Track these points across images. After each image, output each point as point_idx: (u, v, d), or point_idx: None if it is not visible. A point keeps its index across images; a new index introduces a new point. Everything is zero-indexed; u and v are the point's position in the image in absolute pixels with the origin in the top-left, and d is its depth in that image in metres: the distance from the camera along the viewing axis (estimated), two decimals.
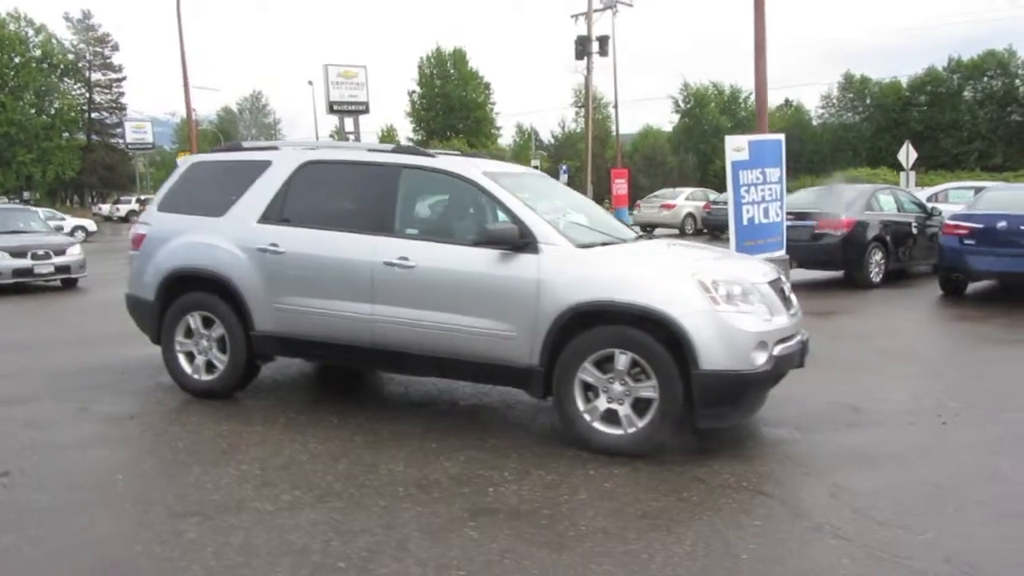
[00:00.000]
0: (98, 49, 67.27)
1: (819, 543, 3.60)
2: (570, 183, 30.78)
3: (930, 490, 4.22)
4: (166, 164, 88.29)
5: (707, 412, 4.63)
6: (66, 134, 63.40)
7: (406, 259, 5.19)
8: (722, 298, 4.59)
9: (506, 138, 70.96)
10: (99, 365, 7.15)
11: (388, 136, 67.60)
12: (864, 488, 4.22)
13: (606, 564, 3.38)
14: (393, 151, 5.72)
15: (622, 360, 4.66)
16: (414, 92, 67.73)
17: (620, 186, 29.03)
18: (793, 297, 5.29)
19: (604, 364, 4.72)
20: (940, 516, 3.89)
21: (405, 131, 68.90)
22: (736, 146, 9.83)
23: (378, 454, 4.76)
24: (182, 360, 6.00)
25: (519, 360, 4.92)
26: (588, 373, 4.74)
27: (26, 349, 8.23)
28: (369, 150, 5.84)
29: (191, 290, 5.92)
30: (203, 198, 6.06)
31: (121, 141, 61.18)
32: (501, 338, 4.95)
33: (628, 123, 72.93)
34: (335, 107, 44.28)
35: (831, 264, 12.63)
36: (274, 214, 5.72)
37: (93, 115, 68.81)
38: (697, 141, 58.15)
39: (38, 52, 62.61)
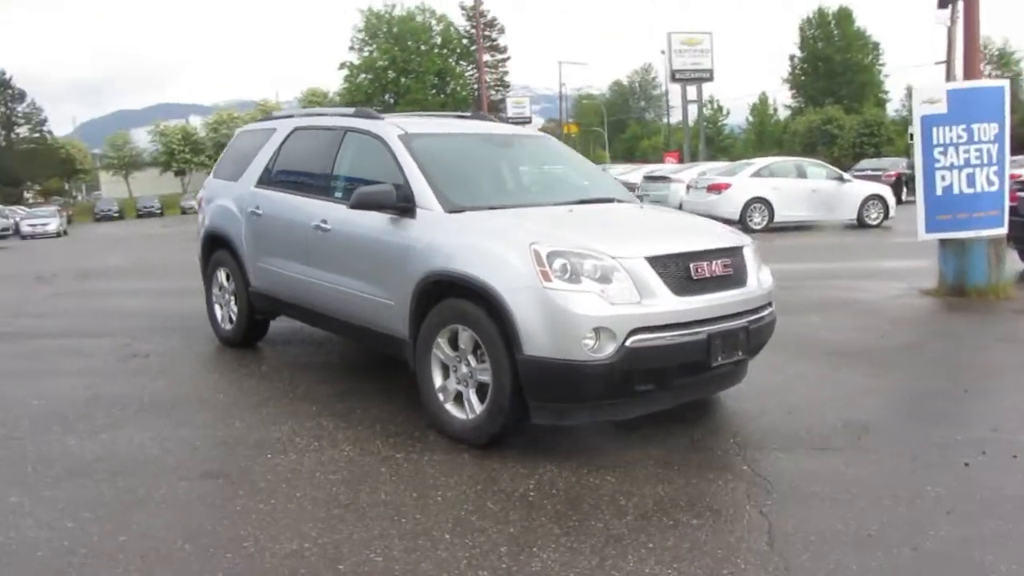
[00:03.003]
0: (487, 33, 73.89)
1: None
2: None
3: None
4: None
5: (539, 405, 3.98)
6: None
7: (325, 223, 5.17)
8: (556, 273, 3.86)
9: (895, 102, 63.66)
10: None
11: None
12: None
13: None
14: (353, 115, 5.64)
15: (464, 337, 4.20)
16: (794, 56, 63.99)
17: None
18: (748, 278, 4.38)
19: (455, 341, 4.27)
20: None
21: (783, 98, 65.54)
22: (928, 96, 7.93)
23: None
24: (217, 310, 6.65)
25: (397, 330, 4.65)
26: (440, 350, 4.32)
27: None
28: (343, 115, 5.81)
29: (217, 248, 6.51)
30: (234, 164, 6.59)
31: (504, 116, 67.14)
32: (384, 306, 4.74)
33: None
34: (677, 75, 43.76)
35: None
36: (266, 178, 6.04)
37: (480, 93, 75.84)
38: None
39: (439, 39, 70.80)
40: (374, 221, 4.80)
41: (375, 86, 68.70)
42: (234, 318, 6.43)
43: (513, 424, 4.06)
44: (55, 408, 4.92)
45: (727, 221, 15.94)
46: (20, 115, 63.79)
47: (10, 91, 63.22)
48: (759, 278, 4.52)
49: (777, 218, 17.09)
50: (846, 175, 18.24)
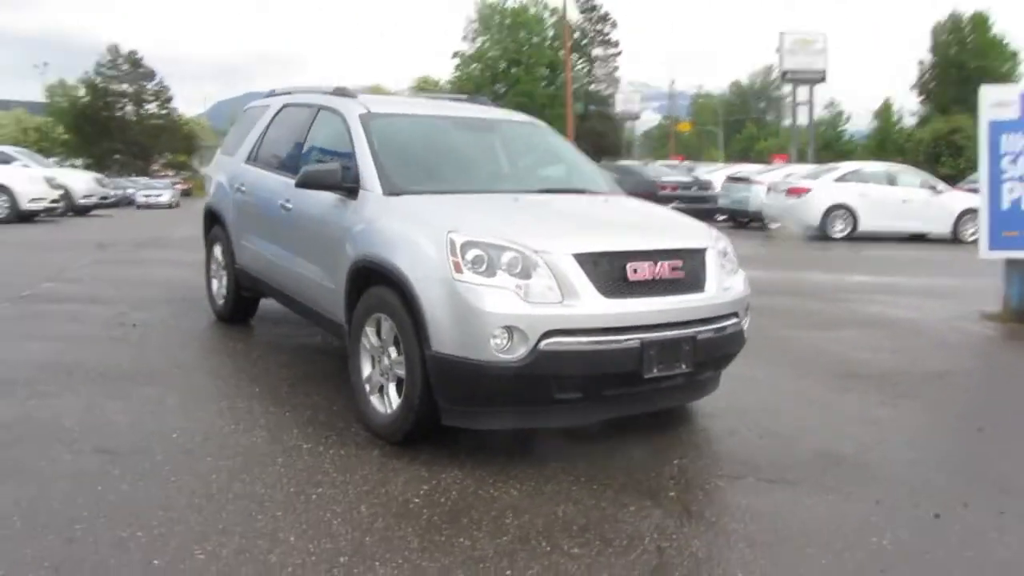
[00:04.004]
0: (599, 27, 73.18)
1: None
2: None
3: None
4: (654, 134, 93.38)
5: (448, 407, 3.66)
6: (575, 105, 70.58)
7: (288, 202, 5.00)
8: (469, 264, 3.52)
9: None
10: None
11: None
12: None
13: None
14: (331, 92, 5.41)
15: (385, 328, 3.92)
16: (923, 62, 60.56)
17: None
18: (707, 284, 3.96)
19: (380, 331, 4.00)
20: None
21: (910, 104, 62.14)
22: (998, 99, 7.12)
23: None
24: (213, 285, 6.60)
25: (338, 316, 4.43)
26: (368, 339, 4.06)
27: None
28: (323, 92, 5.60)
29: (214, 224, 6.45)
30: (234, 140, 6.52)
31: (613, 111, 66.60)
32: (327, 290, 4.53)
33: None
34: (788, 75, 42.26)
35: None
36: (252, 155, 5.92)
37: (591, 87, 75.27)
38: None
39: (551, 31, 70.48)
40: (325, 202, 4.59)
41: (485, 76, 69.05)
42: (225, 294, 6.36)
43: (427, 424, 3.76)
44: (8, 373, 4.93)
45: (805, 228, 15.64)
46: (150, 92, 67.22)
47: (141, 70, 66.67)
48: (722, 284, 4.05)
49: (861, 227, 15.87)
50: (940, 185, 16.81)
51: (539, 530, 3.10)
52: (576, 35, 72.34)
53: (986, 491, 3.64)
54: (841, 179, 16.45)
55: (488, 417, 3.67)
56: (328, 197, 4.54)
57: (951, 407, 5.09)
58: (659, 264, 3.76)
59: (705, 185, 16.99)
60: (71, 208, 20.73)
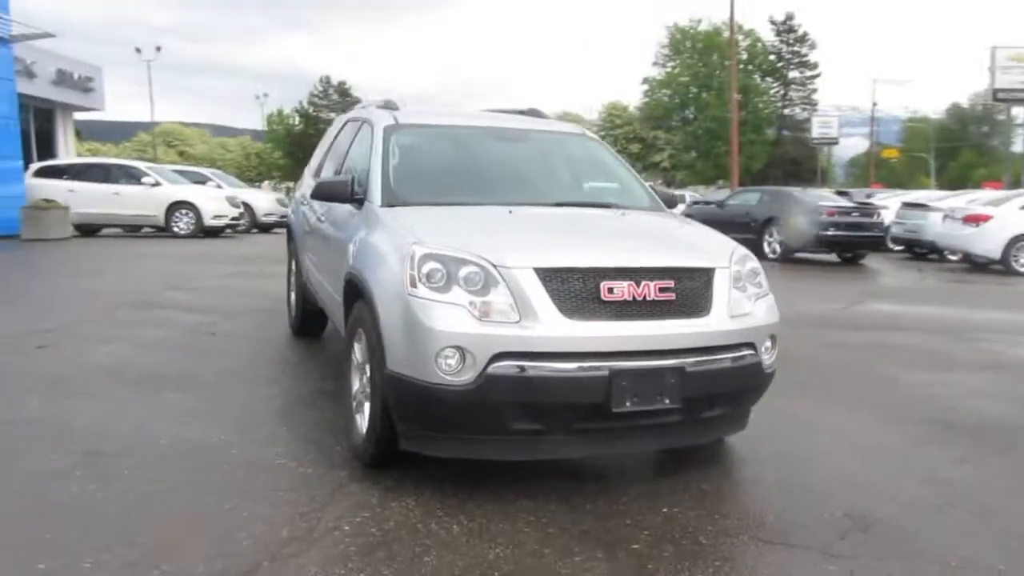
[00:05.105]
0: (796, 49, 70.11)
1: None
2: None
3: None
4: (861, 160, 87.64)
5: (405, 431, 3.44)
6: (768, 130, 67.97)
7: (322, 216, 5.02)
8: (424, 279, 3.29)
9: None
10: None
11: None
12: None
13: None
14: (380, 105, 5.35)
15: (363, 343, 3.77)
16: None
17: None
18: (711, 308, 3.52)
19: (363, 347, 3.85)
20: None
21: None
22: None
23: None
24: (292, 299, 6.75)
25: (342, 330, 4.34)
26: (355, 354, 3.93)
27: None
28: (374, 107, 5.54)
29: (291, 239, 6.62)
30: (314, 158, 6.64)
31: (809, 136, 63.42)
32: (336, 303, 4.45)
33: None
34: (1000, 95, 38.61)
35: None
36: (317, 170, 6.02)
37: (785, 111, 72.18)
38: None
39: (744, 55, 68.36)
40: (342, 215, 4.56)
41: (674, 102, 68.10)
42: (294, 307, 6.50)
43: (389, 447, 3.55)
44: (64, 371, 5.25)
45: (986, 261, 13.59)
46: None
47: (348, 99, 71.72)
48: (733, 311, 3.55)
49: None
50: None
51: (454, 574, 2.81)
52: (772, 58, 69.77)
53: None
54: None
55: (445, 444, 3.40)
56: (345, 210, 4.49)
57: None
58: (643, 284, 3.34)
59: (869, 212, 15.48)
60: (255, 224, 22.37)
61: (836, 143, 64.90)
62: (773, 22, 69.45)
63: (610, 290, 3.29)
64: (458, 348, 3.17)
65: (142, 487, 3.43)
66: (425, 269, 3.30)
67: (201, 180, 22.18)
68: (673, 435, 3.63)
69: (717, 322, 3.47)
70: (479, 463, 3.54)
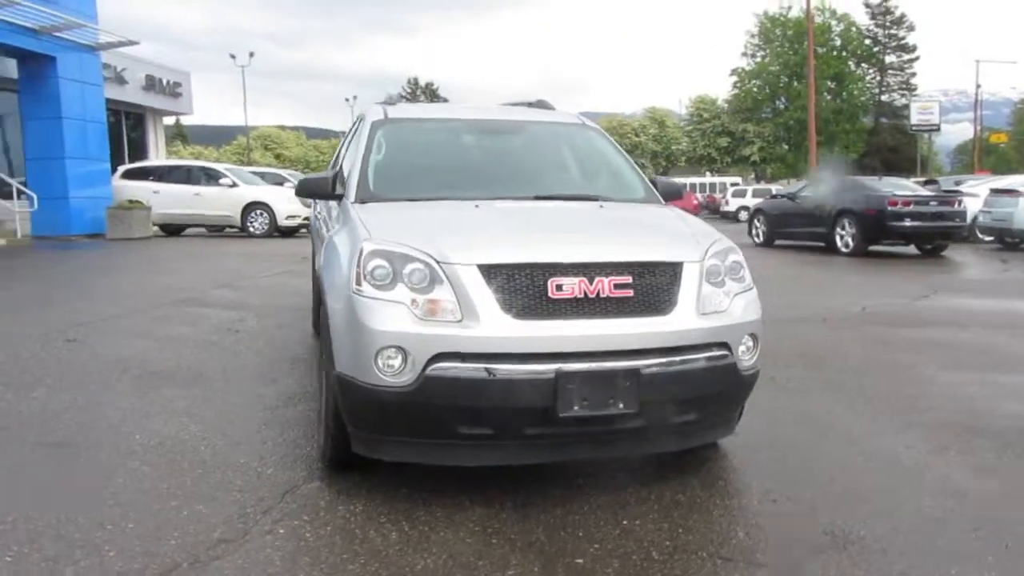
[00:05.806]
0: (893, 31, 67.10)
1: None
2: None
3: None
4: (968, 147, 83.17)
5: (356, 433, 3.33)
6: (864, 118, 65.26)
7: (318, 212, 4.99)
8: (368, 276, 3.18)
9: None
10: None
11: None
12: None
13: None
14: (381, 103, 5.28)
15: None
16: None
17: None
18: (676, 306, 3.28)
19: None
20: None
21: None
22: None
23: None
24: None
25: None
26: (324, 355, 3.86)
27: None
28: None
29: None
30: None
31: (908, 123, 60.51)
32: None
33: None
34: None
35: None
36: (334, 168, 5.99)
37: (883, 97, 69.16)
38: None
39: (838, 41, 65.75)
40: (332, 212, 4.50)
41: (764, 92, 66.09)
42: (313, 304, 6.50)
43: (343, 451, 3.45)
44: (79, 366, 5.40)
45: None
46: None
47: (437, 99, 72.72)
48: (703, 308, 3.30)
49: None
50: None
51: None
52: (868, 42, 66.93)
53: None
54: None
55: (392, 447, 3.28)
56: (333, 207, 4.44)
57: None
58: (596, 280, 3.14)
59: (949, 201, 14.47)
60: None
61: (937, 130, 61.59)
62: (868, 5, 66.64)
63: (558, 287, 3.11)
64: (400, 348, 3.05)
65: (97, 482, 3.45)
66: (371, 266, 3.19)
67: (279, 181, 22.75)
68: (638, 442, 3.41)
69: (682, 320, 3.24)
70: (445, 467, 3.41)
